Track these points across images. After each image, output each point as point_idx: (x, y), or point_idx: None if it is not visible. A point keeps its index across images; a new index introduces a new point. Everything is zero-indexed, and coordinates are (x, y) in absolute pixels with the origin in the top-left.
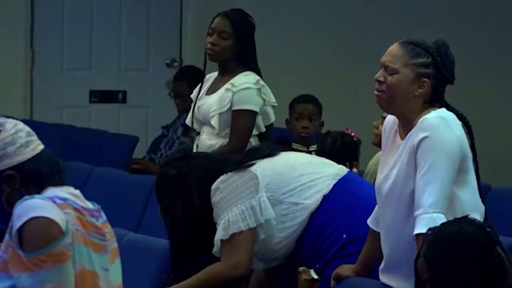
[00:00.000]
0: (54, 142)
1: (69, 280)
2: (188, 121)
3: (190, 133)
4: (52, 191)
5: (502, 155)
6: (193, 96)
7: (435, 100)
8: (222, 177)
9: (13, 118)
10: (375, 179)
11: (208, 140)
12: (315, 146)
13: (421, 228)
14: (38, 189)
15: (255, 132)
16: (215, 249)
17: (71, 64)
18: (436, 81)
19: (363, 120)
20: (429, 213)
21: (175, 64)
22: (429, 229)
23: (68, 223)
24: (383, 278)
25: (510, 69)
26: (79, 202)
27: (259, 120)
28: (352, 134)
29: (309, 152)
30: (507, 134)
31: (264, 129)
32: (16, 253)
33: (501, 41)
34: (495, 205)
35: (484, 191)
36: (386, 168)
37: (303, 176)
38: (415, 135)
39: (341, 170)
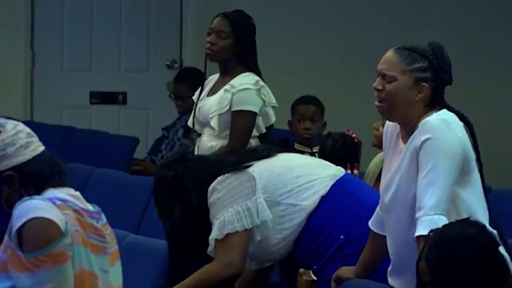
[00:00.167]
0: (54, 143)
1: (68, 281)
2: (189, 122)
3: (192, 134)
4: (51, 192)
5: (502, 155)
6: (194, 97)
7: (436, 103)
8: (219, 178)
9: (13, 119)
10: (375, 181)
11: (209, 142)
12: (318, 147)
13: (422, 230)
14: (38, 190)
15: (255, 133)
16: (210, 248)
17: (71, 65)
18: (435, 84)
19: (363, 121)
20: (430, 215)
21: (176, 65)
22: (431, 230)
23: (67, 224)
24: (392, 282)
25: (510, 69)
26: (79, 203)
27: (259, 121)
28: (353, 135)
29: (313, 153)
30: (507, 134)
31: (264, 130)
32: (15, 253)
33: (501, 41)
34: (495, 206)
35: (485, 192)
36: (389, 174)
37: (301, 178)
38: (417, 137)
39: (338, 171)
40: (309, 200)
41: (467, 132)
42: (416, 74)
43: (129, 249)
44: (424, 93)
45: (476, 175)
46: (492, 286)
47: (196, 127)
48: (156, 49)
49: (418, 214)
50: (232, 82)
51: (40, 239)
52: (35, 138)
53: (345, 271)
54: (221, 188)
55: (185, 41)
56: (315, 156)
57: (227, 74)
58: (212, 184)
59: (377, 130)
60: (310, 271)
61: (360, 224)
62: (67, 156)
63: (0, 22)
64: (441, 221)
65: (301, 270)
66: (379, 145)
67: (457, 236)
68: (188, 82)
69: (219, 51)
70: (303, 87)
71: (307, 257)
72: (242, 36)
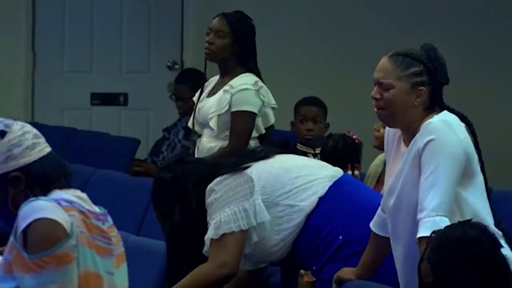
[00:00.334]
0: (55, 144)
1: (72, 282)
2: (189, 123)
3: (192, 135)
4: (57, 194)
5: (503, 156)
6: (194, 98)
7: (435, 104)
8: (217, 179)
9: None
10: (376, 182)
11: (208, 143)
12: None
13: (424, 231)
14: (44, 191)
15: (254, 134)
16: (205, 248)
17: (72, 67)
18: (432, 86)
19: (364, 122)
20: (432, 216)
21: (176, 66)
22: (433, 232)
23: (72, 225)
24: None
25: (510, 69)
26: (85, 205)
27: (259, 121)
28: (354, 136)
29: (316, 154)
30: (508, 134)
31: (263, 131)
32: (20, 254)
33: (501, 41)
34: (496, 207)
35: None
36: (392, 178)
37: (299, 178)
38: (420, 139)
39: (336, 172)
40: (307, 201)
41: (468, 133)
42: (413, 79)
43: (130, 250)
44: (422, 97)
45: (479, 177)
46: (494, 287)
47: (196, 128)
48: (157, 50)
49: (420, 216)
50: (231, 82)
51: (45, 240)
52: (42, 139)
53: (346, 272)
54: (218, 189)
55: (186, 42)
56: (318, 157)
57: (226, 74)
58: (210, 185)
59: (378, 131)
60: (309, 272)
61: (359, 224)
62: (68, 157)
63: (1, 23)
64: (443, 222)
65: (302, 271)
66: (379, 147)
67: (459, 238)
68: (189, 83)
69: (217, 51)
70: (303, 88)
71: (306, 258)
72: (241, 36)
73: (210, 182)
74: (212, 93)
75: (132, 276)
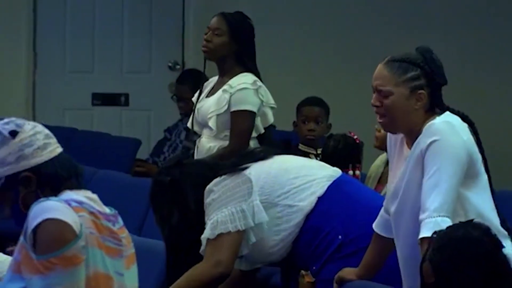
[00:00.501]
0: None
1: (79, 283)
2: (189, 124)
3: (192, 136)
4: (68, 194)
5: (503, 156)
6: (194, 99)
7: (435, 106)
8: (215, 180)
9: None
10: (377, 182)
11: (207, 143)
12: None
13: (426, 232)
14: (55, 192)
15: (254, 134)
16: (202, 248)
17: (73, 67)
18: (431, 88)
19: (364, 122)
20: (434, 217)
21: (178, 67)
22: (435, 232)
23: (82, 226)
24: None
25: (510, 69)
26: (95, 206)
27: (258, 121)
28: (355, 137)
29: (318, 155)
30: (508, 134)
31: (263, 131)
32: (29, 255)
33: (501, 41)
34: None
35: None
36: (395, 181)
37: (297, 179)
38: (423, 140)
39: (335, 172)
40: (306, 201)
41: (471, 133)
42: (411, 84)
43: None
44: (422, 100)
45: (484, 177)
46: (495, 287)
47: (195, 128)
48: (158, 51)
49: (422, 216)
50: (230, 82)
51: (53, 240)
52: (53, 140)
53: (348, 272)
54: (217, 189)
55: (187, 43)
56: (319, 158)
57: (225, 74)
58: (209, 186)
59: (379, 131)
60: (308, 272)
61: (358, 224)
62: None
63: (2, 24)
64: (445, 223)
65: (303, 271)
66: (380, 147)
67: (461, 238)
68: (190, 83)
69: (215, 49)
70: (304, 88)
71: (306, 258)
72: (238, 35)
73: (208, 184)
74: (211, 93)
75: None
